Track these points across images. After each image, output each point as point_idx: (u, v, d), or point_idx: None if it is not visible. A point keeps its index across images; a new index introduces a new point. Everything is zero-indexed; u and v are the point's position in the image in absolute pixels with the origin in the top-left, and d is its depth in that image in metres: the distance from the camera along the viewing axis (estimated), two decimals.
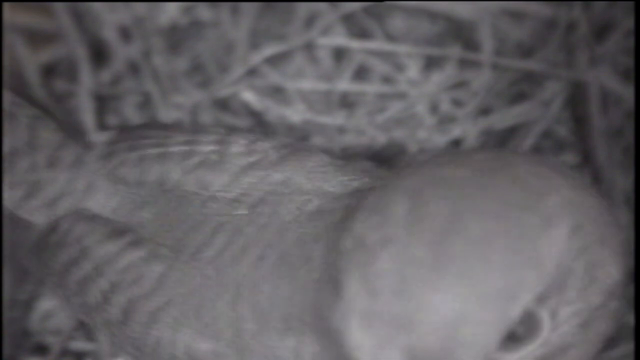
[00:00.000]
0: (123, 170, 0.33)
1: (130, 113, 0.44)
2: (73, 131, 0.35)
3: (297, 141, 0.32)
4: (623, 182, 0.40)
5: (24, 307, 0.40)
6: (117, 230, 0.32)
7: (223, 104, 0.44)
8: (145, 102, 0.44)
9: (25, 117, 0.34)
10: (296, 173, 0.31)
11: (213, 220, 0.31)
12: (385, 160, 0.42)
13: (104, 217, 0.32)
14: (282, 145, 0.32)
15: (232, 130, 0.33)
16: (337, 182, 0.30)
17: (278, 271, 0.29)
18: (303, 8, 0.44)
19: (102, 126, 0.43)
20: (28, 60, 0.43)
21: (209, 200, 0.31)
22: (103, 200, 0.33)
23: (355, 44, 0.44)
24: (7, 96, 0.34)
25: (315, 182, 0.30)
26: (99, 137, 0.34)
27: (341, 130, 0.43)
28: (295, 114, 0.43)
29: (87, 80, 0.43)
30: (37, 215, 0.33)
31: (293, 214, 0.30)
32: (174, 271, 0.30)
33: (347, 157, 0.32)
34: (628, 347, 0.37)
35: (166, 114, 0.43)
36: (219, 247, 0.30)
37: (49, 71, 0.44)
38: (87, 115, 0.42)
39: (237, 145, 0.32)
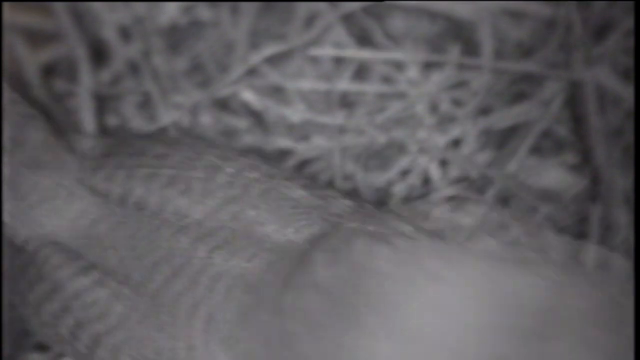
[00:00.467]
0: (108, 186, 0.33)
1: (130, 113, 0.44)
2: (65, 133, 0.35)
3: (282, 173, 0.33)
4: (623, 182, 0.40)
5: None
6: (87, 266, 0.32)
7: (223, 104, 0.44)
8: (145, 102, 0.44)
9: (17, 115, 0.33)
10: (259, 224, 0.32)
11: (175, 260, 0.32)
12: (385, 161, 0.42)
13: (75, 250, 0.33)
14: (265, 180, 0.33)
15: (226, 156, 0.33)
16: (298, 229, 0.32)
17: (221, 343, 0.30)
18: (303, 8, 0.44)
19: (102, 126, 0.43)
20: (28, 60, 0.43)
21: (179, 233, 0.32)
22: (82, 213, 0.33)
23: (352, 52, 0.44)
24: (4, 93, 0.34)
25: (278, 228, 0.32)
26: (89, 143, 0.34)
27: (341, 130, 0.43)
28: (295, 114, 0.43)
29: (87, 80, 0.43)
30: (17, 221, 0.34)
31: (243, 267, 0.31)
32: (135, 312, 0.31)
33: (326, 191, 0.33)
34: None
35: (166, 114, 0.43)
36: (175, 295, 0.31)
37: (49, 71, 0.44)
38: (87, 115, 0.43)
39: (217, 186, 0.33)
